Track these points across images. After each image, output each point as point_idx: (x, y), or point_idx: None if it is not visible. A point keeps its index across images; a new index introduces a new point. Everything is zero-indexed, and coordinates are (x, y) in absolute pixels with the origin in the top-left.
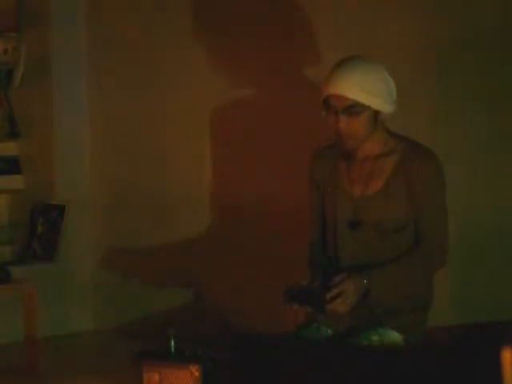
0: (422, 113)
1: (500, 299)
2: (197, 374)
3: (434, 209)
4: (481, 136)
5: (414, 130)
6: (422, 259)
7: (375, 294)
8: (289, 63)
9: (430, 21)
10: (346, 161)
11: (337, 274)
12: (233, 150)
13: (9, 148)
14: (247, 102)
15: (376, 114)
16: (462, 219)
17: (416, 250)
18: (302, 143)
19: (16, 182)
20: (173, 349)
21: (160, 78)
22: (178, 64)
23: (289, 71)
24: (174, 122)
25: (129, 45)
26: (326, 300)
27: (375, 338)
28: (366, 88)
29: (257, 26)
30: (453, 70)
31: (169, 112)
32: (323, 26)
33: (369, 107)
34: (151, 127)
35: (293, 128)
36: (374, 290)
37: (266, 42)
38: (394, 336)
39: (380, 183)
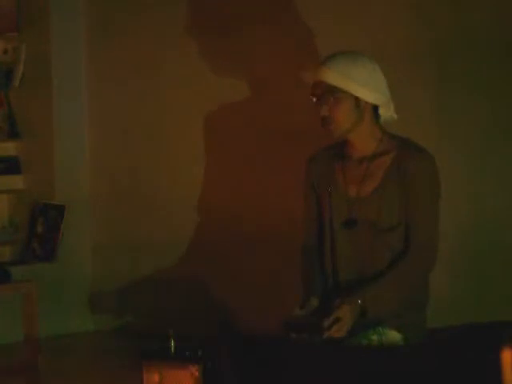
0: (421, 113)
1: (500, 299)
2: (197, 373)
3: (425, 211)
4: (482, 136)
5: (414, 129)
6: (411, 263)
7: (371, 310)
8: (288, 63)
9: (430, 21)
10: (342, 161)
11: (332, 297)
12: (233, 151)
13: (9, 148)
14: (247, 104)
15: (357, 102)
16: (462, 219)
17: (405, 254)
18: (302, 145)
19: (16, 182)
20: (173, 349)
21: (160, 78)
22: (179, 64)
23: (288, 72)
24: (174, 123)
25: (129, 45)
26: (323, 328)
27: (374, 337)
28: (345, 73)
29: (256, 27)
30: (453, 69)
31: (169, 112)
32: (323, 25)
33: (348, 93)
34: (151, 127)
35: (293, 129)
36: (369, 308)
37: (265, 42)
38: (394, 335)
39: (375, 183)
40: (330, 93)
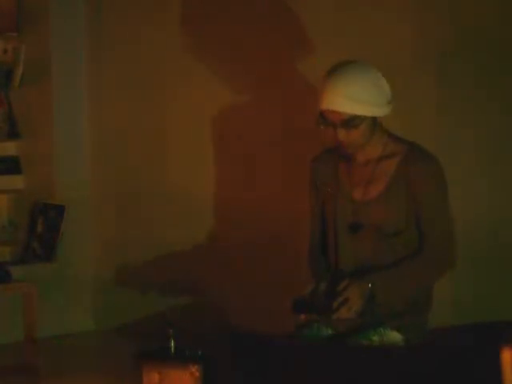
0: (422, 113)
1: (499, 299)
2: (197, 373)
3: (436, 210)
4: (482, 136)
5: (414, 131)
6: (424, 262)
7: (380, 297)
8: (289, 64)
9: (430, 21)
10: (347, 164)
11: (340, 280)
12: (233, 151)
13: (9, 148)
14: (247, 105)
15: (374, 119)
16: (461, 219)
17: (419, 252)
18: (303, 145)
19: (16, 182)
20: (173, 349)
21: (160, 78)
22: (179, 64)
23: (289, 72)
24: (175, 123)
25: (129, 45)
26: (331, 309)
27: (375, 337)
28: (361, 99)
29: (256, 27)
30: (453, 70)
31: (169, 112)
32: (323, 26)
33: (366, 117)
34: (151, 127)
35: (293, 130)
36: (378, 294)
37: (265, 43)
38: (395, 336)
39: (380, 187)
40: (349, 121)
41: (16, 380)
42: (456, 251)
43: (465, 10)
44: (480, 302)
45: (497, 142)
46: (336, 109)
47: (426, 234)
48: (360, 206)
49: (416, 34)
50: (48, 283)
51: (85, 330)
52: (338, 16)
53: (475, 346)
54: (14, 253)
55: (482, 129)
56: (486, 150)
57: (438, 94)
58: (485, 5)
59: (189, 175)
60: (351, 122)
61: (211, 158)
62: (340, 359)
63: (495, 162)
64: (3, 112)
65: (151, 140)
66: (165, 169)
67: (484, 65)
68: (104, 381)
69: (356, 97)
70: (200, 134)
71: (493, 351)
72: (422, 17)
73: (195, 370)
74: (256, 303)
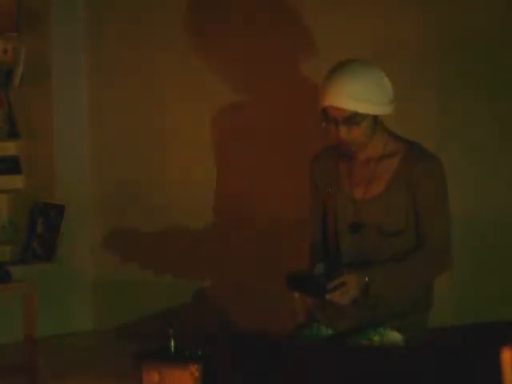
0: (422, 113)
1: (500, 299)
2: (197, 373)
3: (436, 210)
4: (482, 136)
5: (415, 130)
6: (423, 260)
7: (375, 291)
8: (289, 64)
9: (430, 20)
10: (347, 163)
11: (338, 265)
12: (233, 152)
13: (9, 148)
14: (248, 105)
15: (375, 118)
16: (462, 219)
17: (418, 251)
18: (303, 145)
19: (16, 181)
20: (173, 349)
21: (160, 78)
22: (179, 63)
23: (289, 72)
24: (175, 122)
25: (128, 45)
26: (326, 289)
27: (375, 337)
28: (363, 97)
29: (256, 28)
30: (453, 69)
31: (169, 112)
32: (323, 26)
33: (368, 115)
34: (151, 127)
35: (293, 130)
36: (374, 288)
37: (265, 43)
38: (395, 336)
39: (381, 186)
40: (351, 118)
41: (16, 380)
42: (452, 252)
43: (465, 10)
44: (480, 301)
45: (497, 141)
46: (338, 105)
47: (426, 234)
48: (361, 205)
49: (416, 33)
50: (48, 283)
51: (85, 330)
52: (338, 16)
53: (475, 346)
54: (14, 253)
55: (482, 128)
56: (486, 150)
57: (438, 94)
58: (485, 5)
59: (189, 175)
60: (353, 118)
61: (211, 158)
62: (340, 359)
63: (495, 162)
64: (3, 112)
65: (151, 140)
66: (165, 168)
67: (484, 64)
68: (104, 381)
69: (359, 95)
70: (200, 133)
71: (493, 351)
72: (422, 17)
73: (195, 369)
74: (256, 303)
